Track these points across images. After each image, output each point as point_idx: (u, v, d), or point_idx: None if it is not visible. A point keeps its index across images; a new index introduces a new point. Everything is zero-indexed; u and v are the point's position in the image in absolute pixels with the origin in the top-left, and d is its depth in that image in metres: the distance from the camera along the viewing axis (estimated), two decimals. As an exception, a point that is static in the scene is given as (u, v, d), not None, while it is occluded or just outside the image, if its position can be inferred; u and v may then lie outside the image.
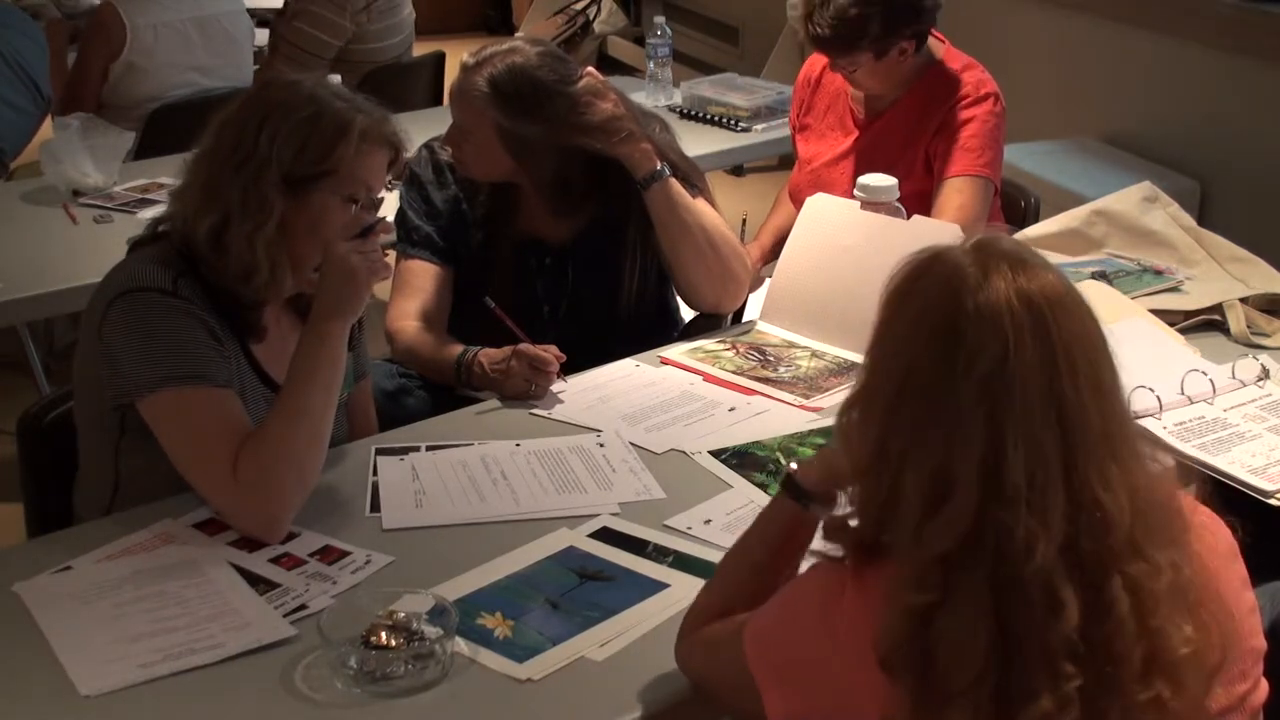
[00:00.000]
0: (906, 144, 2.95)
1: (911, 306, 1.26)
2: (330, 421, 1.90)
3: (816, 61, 3.13)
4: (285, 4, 4.57)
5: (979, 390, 1.20)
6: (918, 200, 2.83)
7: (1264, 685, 1.34)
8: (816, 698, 1.29)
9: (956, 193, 2.85)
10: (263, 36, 4.73)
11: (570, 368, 2.32)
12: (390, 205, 2.27)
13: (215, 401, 1.86)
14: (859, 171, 2.73)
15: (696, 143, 3.37)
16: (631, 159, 2.45)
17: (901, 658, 1.20)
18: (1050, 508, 1.19)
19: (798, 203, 2.83)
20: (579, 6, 7.48)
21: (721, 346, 2.50)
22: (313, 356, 1.89)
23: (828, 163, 3.06)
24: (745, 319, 2.72)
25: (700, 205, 2.52)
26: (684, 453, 2.11)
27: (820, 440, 2.12)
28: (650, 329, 2.60)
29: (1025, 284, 1.23)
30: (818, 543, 1.33)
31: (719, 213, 2.57)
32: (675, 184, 2.48)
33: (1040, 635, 1.18)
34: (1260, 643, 1.34)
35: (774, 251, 3.00)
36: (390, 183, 2.14)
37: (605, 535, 1.87)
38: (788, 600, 1.38)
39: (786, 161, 3.50)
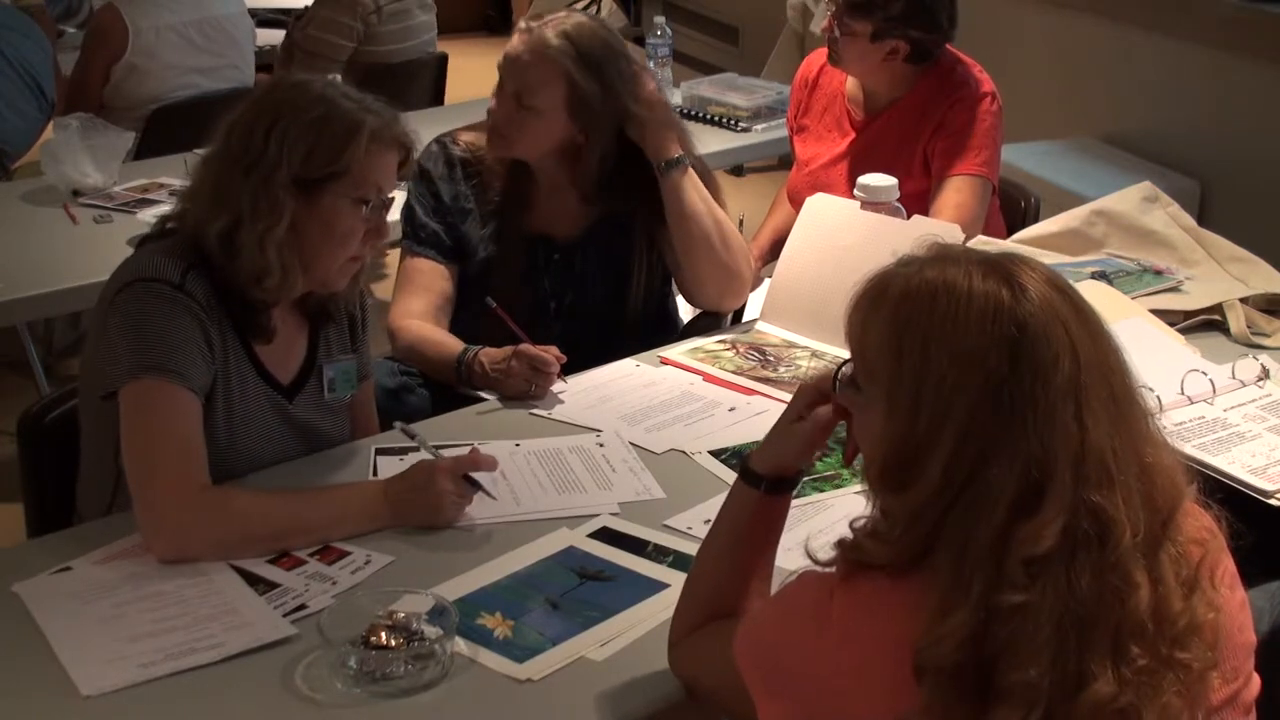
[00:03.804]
0: (904, 144, 2.95)
1: (945, 339, 1.22)
2: (306, 547, 1.84)
3: (813, 62, 3.13)
4: (304, 11, 4.58)
5: (1066, 386, 1.20)
6: (917, 200, 2.84)
7: (1256, 680, 1.34)
8: (810, 704, 1.29)
9: (954, 192, 2.86)
10: (264, 37, 4.72)
11: (572, 366, 2.32)
12: (397, 201, 2.26)
13: (178, 402, 1.84)
14: (857, 172, 2.73)
15: (696, 142, 3.35)
16: (661, 140, 2.48)
17: (954, 662, 1.16)
18: (1129, 483, 1.20)
19: (796, 204, 2.83)
20: (579, 7, 7.49)
21: (721, 346, 2.50)
22: (354, 513, 1.86)
23: (826, 164, 3.06)
24: (745, 319, 2.72)
25: (712, 201, 2.54)
26: (684, 453, 2.11)
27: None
28: (651, 329, 2.60)
29: (1044, 273, 1.24)
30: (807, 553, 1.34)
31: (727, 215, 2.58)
32: (693, 173, 2.50)
33: (1112, 620, 1.18)
34: (1251, 638, 1.34)
35: (772, 252, 3.01)
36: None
37: (605, 535, 1.87)
38: (777, 609, 1.37)
39: (786, 161, 3.50)
